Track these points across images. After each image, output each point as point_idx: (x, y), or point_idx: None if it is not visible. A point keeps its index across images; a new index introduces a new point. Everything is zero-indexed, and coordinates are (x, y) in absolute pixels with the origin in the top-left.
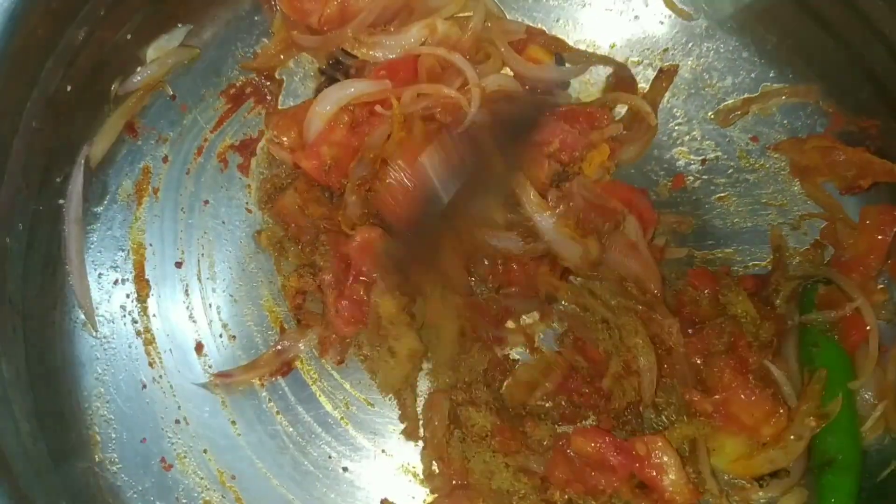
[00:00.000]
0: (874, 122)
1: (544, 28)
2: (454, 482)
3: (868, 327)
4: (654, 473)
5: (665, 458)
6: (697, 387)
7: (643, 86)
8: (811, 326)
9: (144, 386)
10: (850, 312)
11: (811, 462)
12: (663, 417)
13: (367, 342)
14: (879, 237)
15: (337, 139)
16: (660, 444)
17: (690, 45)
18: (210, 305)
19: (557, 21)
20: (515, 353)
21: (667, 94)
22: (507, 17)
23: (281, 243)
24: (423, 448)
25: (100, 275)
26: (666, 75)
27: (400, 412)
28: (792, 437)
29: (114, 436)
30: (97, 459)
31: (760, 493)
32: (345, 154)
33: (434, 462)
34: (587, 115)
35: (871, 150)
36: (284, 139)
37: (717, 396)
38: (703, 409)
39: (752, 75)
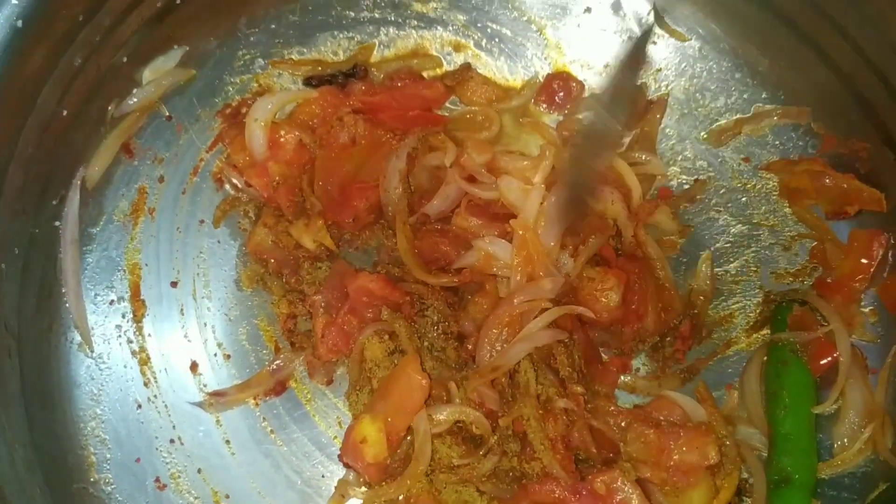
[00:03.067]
0: (864, 145)
1: (538, 48)
2: None
3: (838, 353)
4: None
5: (627, 491)
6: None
7: None
8: (782, 344)
9: (139, 406)
10: (822, 336)
11: (767, 478)
12: None
13: (350, 384)
14: (865, 261)
15: (286, 157)
16: (618, 478)
17: (684, 65)
18: (205, 325)
19: (551, 41)
20: None
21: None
22: (501, 35)
23: (263, 279)
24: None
25: (95, 295)
26: (657, 106)
27: None
28: (720, 448)
29: (108, 456)
30: (92, 480)
31: None
32: (294, 172)
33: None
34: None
35: (861, 172)
36: (240, 158)
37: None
38: (661, 479)
39: (745, 96)
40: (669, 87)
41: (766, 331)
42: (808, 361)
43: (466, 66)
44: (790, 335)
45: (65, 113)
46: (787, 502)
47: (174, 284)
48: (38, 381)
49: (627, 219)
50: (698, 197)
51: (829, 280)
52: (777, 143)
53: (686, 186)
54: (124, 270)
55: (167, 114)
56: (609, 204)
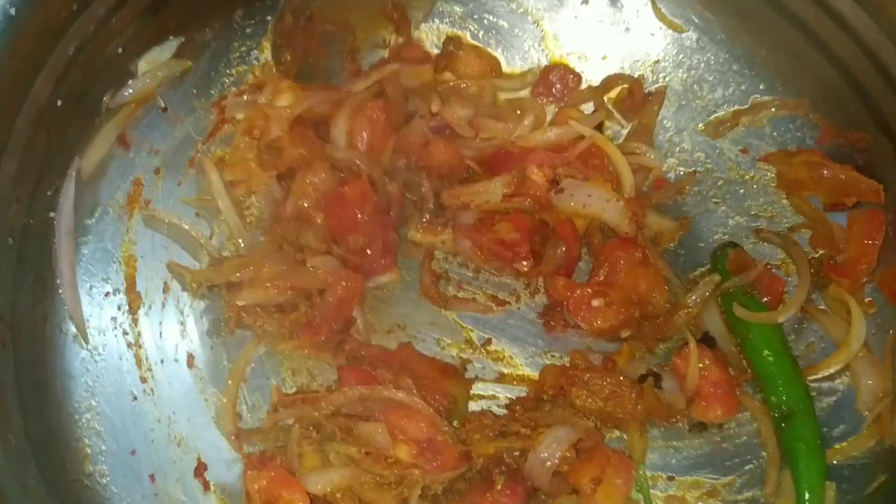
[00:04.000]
0: (862, 136)
1: (534, 40)
2: None
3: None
4: None
5: None
6: None
7: None
8: (732, 292)
9: (135, 398)
10: (764, 270)
11: (772, 416)
12: None
13: None
14: (869, 242)
15: None
16: None
17: (681, 57)
18: (201, 317)
19: (548, 32)
20: None
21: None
22: (497, 27)
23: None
24: None
25: (91, 287)
26: (656, 98)
27: None
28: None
29: (104, 448)
30: (87, 472)
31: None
32: None
33: None
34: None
35: (860, 163)
36: None
37: None
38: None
39: (742, 87)
40: (667, 79)
41: None
42: (762, 297)
43: (450, 40)
44: (735, 281)
45: (59, 103)
46: (798, 433)
47: (169, 277)
48: (33, 372)
49: (628, 220)
50: (688, 188)
51: (837, 262)
52: (775, 134)
53: (684, 178)
54: (120, 262)
55: (163, 105)
56: (604, 202)
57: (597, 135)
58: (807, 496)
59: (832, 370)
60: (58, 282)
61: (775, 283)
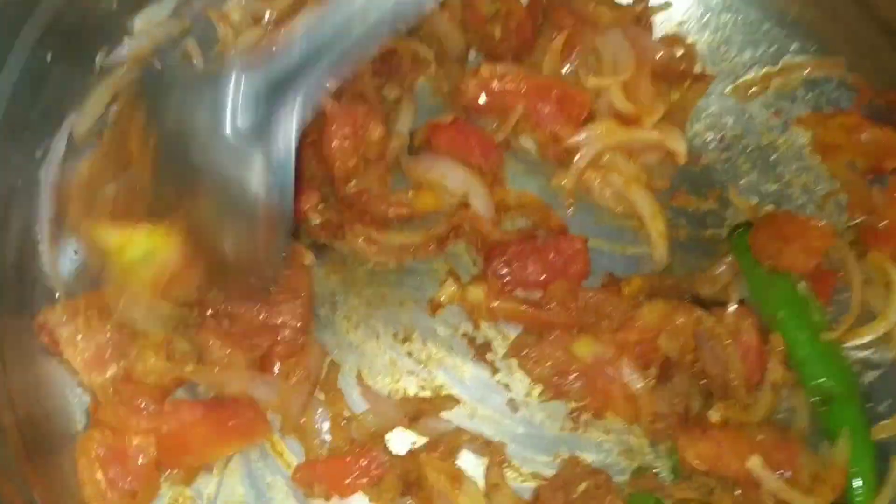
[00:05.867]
0: None
1: None
2: None
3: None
4: None
5: None
6: None
7: None
8: (756, 270)
9: None
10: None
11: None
12: None
13: None
14: None
15: None
16: None
17: (707, 17)
18: None
19: None
20: None
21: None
22: None
23: None
24: None
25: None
26: (702, 84)
27: None
28: None
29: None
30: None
31: None
32: None
33: None
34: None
35: None
36: None
37: None
38: None
39: (773, 48)
40: (692, 41)
41: None
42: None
43: None
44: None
45: (48, 58)
46: (841, 417)
47: None
48: (19, 345)
49: None
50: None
51: (878, 228)
52: (808, 96)
53: (712, 146)
54: None
55: (160, 67)
56: None
57: None
58: (854, 483)
59: (866, 339)
60: (38, 237)
61: (826, 277)
